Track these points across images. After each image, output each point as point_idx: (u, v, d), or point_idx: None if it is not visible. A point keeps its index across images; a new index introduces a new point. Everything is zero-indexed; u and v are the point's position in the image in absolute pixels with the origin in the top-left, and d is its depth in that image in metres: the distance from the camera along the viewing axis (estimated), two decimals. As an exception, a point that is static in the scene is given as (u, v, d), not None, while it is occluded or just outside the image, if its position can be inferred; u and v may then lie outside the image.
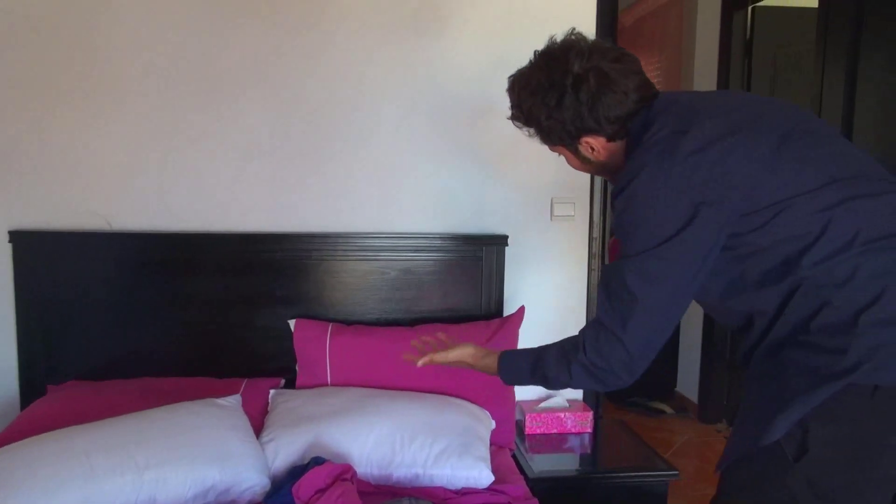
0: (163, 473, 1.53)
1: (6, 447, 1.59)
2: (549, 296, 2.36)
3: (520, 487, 1.73)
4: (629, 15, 4.53)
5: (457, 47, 2.22)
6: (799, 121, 1.17)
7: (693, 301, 1.22)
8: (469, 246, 2.23)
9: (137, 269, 2.12)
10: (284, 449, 1.74)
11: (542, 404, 2.25)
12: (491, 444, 1.89)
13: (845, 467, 1.07)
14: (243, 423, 1.79)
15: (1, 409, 2.10)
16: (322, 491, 1.50)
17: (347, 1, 2.16)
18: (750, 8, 3.27)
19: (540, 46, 1.28)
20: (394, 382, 2.02)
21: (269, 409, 1.96)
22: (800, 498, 1.09)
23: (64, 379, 2.06)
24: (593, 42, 1.23)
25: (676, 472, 1.96)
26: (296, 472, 1.61)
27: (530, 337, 2.28)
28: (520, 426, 2.21)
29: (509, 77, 1.30)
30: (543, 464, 1.98)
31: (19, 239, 2.06)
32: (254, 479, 1.63)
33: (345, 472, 1.56)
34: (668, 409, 3.64)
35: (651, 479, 1.97)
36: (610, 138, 1.25)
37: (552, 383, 1.31)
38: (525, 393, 2.30)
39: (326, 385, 2.06)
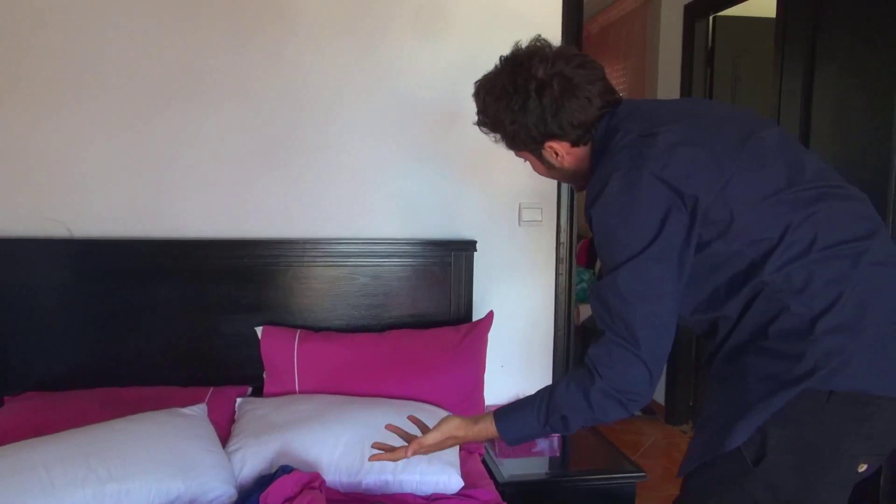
0: (125, 486, 1.50)
1: (-40, 462, 1.54)
2: (517, 300, 2.38)
3: (490, 492, 1.73)
4: (595, 23, 4.60)
5: (425, 53, 2.22)
6: (757, 127, 1.19)
7: None
8: (438, 251, 2.23)
9: (99, 277, 2.07)
10: (252, 458, 1.71)
11: (512, 408, 2.25)
12: (460, 449, 1.89)
13: (802, 471, 1.09)
14: (209, 432, 1.76)
15: (-46, 423, 2.02)
16: (290, 500, 1.48)
17: (316, 7, 2.15)
18: (711, 17, 3.36)
19: (507, 52, 1.29)
20: (362, 389, 2.01)
21: (235, 417, 1.93)
22: (760, 502, 1.11)
23: (21, 390, 2.00)
24: (558, 48, 1.24)
25: (644, 474, 1.99)
26: (263, 481, 1.58)
27: (499, 342, 2.30)
28: (489, 431, 2.20)
29: (475, 82, 1.31)
30: (513, 468, 1.98)
31: (-26, 246, 2.00)
32: (220, 490, 1.60)
33: (313, 481, 1.55)
34: (635, 412, 3.68)
35: (619, 481, 1.99)
36: (574, 143, 1.26)
37: (572, 424, 1.19)
38: (495, 397, 2.30)
39: (294, 392, 2.04)
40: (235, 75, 2.13)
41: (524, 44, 1.27)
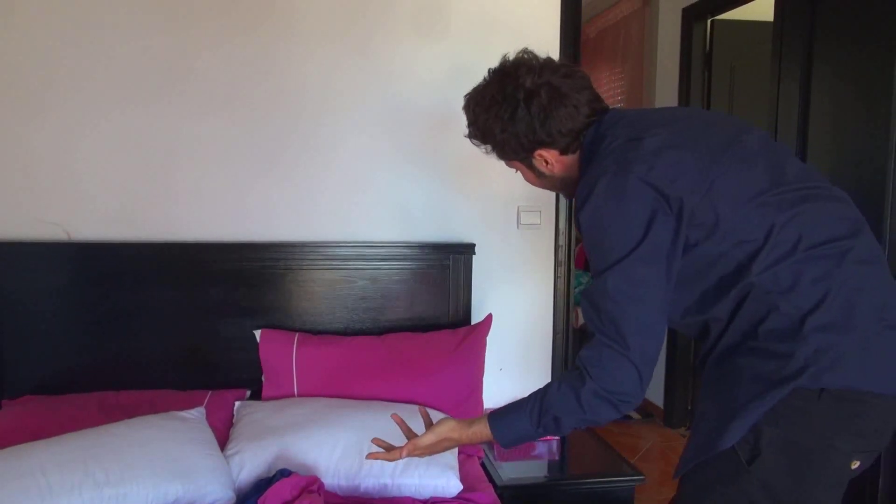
0: (123, 490, 1.49)
1: (-43, 466, 1.53)
2: (516, 303, 2.38)
3: (488, 495, 1.73)
4: (592, 26, 4.61)
5: (424, 56, 2.23)
6: (741, 131, 1.22)
7: None
8: (436, 254, 2.23)
9: (97, 280, 2.06)
10: (250, 462, 1.71)
11: (510, 412, 2.25)
12: (459, 453, 1.89)
13: (796, 469, 1.10)
14: (207, 436, 1.75)
15: (-49, 427, 2.02)
16: (289, 503, 1.48)
17: (312, 13, 2.15)
18: (709, 20, 3.37)
19: (506, 52, 1.31)
20: (361, 392, 2.01)
21: (234, 421, 1.93)
22: (755, 501, 1.12)
23: (18, 393, 2.00)
24: (544, 60, 1.28)
25: (643, 477, 1.99)
26: (261, 485, 1.58)
27: (498, 345, 2.30)
28: (488, 434, 2.20)
29: (465, 96, 1.34)
30: (512, 471, 1.98)
31: (-28, 250, 2.00)
32: (218, 494, 1.59)
33: (311, 484, 1.54)
34: (634, 415, 3.69)
35: (618, 484, 1.99)
36: (563, 151, 1.29)
37: (564, 425, 1.21)
38: (493, 400, 2.30)
39: (293, 396, 2.03)
40: (233, 78, 2.13)
41: (511, 56, 1.30)
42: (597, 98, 1.28)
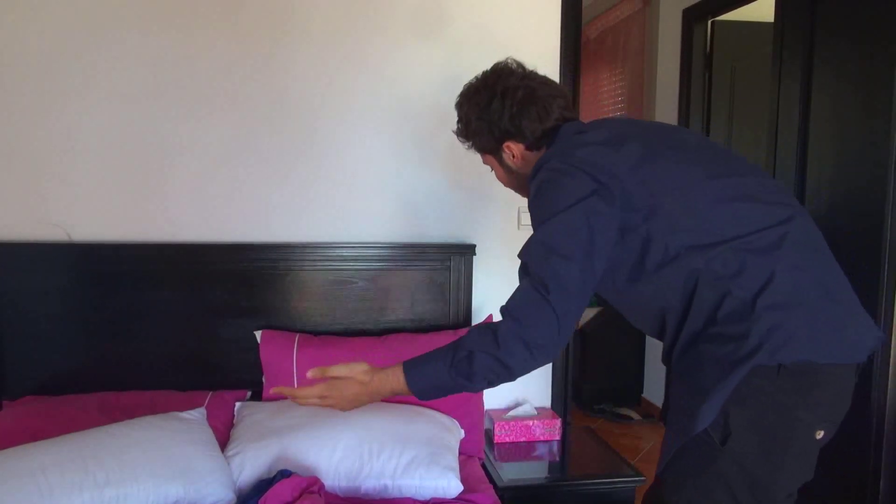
0: (123, 490, 1.49)
1: (-43, 466, 1.53)
2: (516, 304, 2.37)
3: (489, 496, 1.73)
4: (593, 27, 4.61)
5: (424, 56, 2.23)
6: (682, 131, 1.33)
7: None
8: (437, 255, 2.23)
9: (97, 281, 2.06)
10: (250, 462, 1.71)
11: (511, 413, 2.25)
12: (460, 454, 1.89)
13: (765, 444, 1.15)
14: (208, 436, 1.75)
15: (-48, 428, 2.02)
16: (289, 504, 1.48)
17: (313, 11, 2.15)
18: (709, 22, 3.37)
19: (504, 57, 1.44)
20: (362, 393, 2.00)
21: (234, 422, 1.93)
22: (732, 480, 1.17)
23: (19, 394, 2.00)
24: (530, 70, 1.42)
25: (643, 478, 1.99)
26: (262, 486, 1.58)
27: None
28: (489, 435, 2.21)
29: (458, 95, 1.46)
30: (512, 472, 1.98)
31: (-28, 250, 2.00)
32: (219, 494, 1.59)
33: (312, 485, 1.54)
34: (634, 416, 3.68)
35: (619, 485, 1.99)
36: (528, 147, 1.40)
37: (476, 365, 1.22)
38: (494, 401, 2.30)
39: (293, 397, 2.03)
40: (232, 80, 2.13)
41: (502, 62, 1.44)
42: (567, 107, 1.41)
